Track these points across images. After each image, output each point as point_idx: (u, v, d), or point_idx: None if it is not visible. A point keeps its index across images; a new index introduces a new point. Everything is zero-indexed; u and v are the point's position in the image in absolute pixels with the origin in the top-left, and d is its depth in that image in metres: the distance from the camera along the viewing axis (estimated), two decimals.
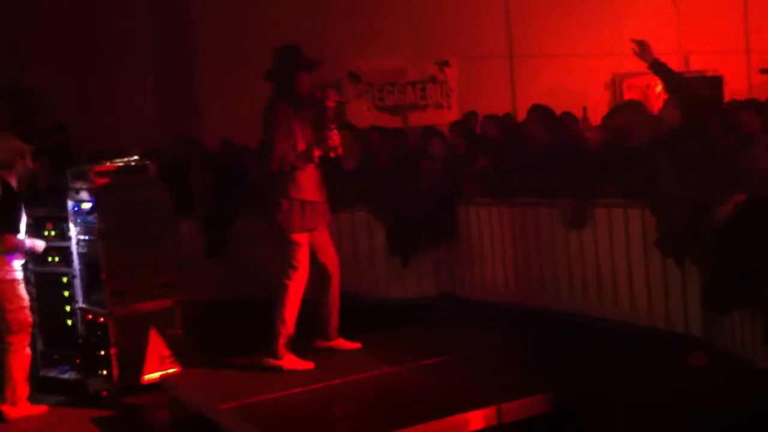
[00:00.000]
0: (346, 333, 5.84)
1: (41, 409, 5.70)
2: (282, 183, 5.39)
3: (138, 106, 9.68)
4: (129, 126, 9.22)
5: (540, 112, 7.23)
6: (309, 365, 5.41)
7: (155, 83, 10.00)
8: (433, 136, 7.87)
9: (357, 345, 5.75)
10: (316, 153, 5.42)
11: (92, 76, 9.51)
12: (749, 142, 5.91)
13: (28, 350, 5.67)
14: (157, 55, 10.06)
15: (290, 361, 5.43)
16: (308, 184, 5.44)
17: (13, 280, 5.60)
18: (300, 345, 5.58)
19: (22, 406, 5.61)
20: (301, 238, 5.44)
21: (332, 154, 5.51)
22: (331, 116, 5.54)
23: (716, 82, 10.83)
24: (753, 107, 6.60)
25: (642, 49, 5.36)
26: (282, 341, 5.42)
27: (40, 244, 5.79)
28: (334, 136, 5.44)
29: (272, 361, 5.43)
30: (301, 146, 5.41)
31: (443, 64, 11.51)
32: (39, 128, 8.47)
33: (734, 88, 11.26)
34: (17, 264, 5.62)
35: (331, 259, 5.67)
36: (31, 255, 5.94)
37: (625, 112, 6.57)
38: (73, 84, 9.33)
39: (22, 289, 5.65)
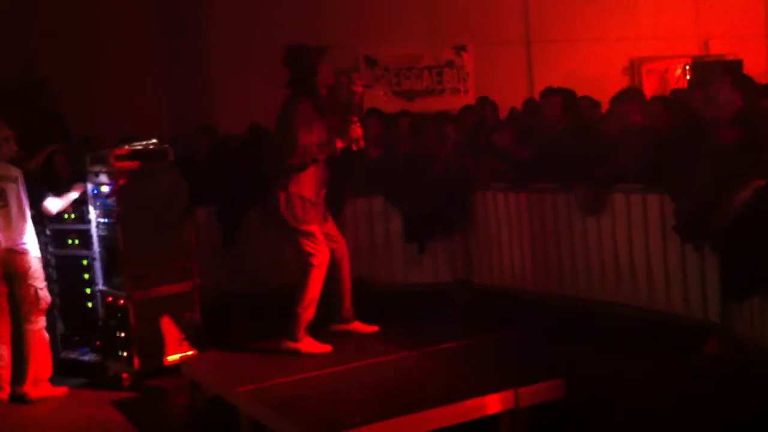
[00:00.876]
0: (361, 318, 5.84)
1: (62, 390, 5.77)
2: (284, 179, 5.37)
3: (144, 103, 9.68)
4: (135, 123, 9.21)
5: (561, 95, 7.11)
6: (327, 348, 5.44)
7: (162, 79, 10.00)
8: (447, 122, 7.86)
9: (374, 328, 5.77)
10: (339, 145, 5.39)
11: (97, 73, 9.55)
12: None
13: (44, 331, 5.75)
14: (164, 51, 10.06)
15: (308, 344, 5.45)
16: (309, 183, 5.42)
17: (40, 258, 5.70)
18: (316, 329, 5.60)
19: (43, 387, 5.68)
20: (310, 227, 5.44)
21: (354, 147, 5.46)
22: (358, 102, 5.50)
23: (736, 65, 10.72)
24: None
25: None
26: (301, 325, 5.45)
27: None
28: (357, 129, 5.41)
29: (291, 344, 5.45)
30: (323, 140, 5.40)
31: (460, 48, 11.47)
32: (35, 120, 8.43)
33: (754, 72, 11.14)
34: None
35: (339, 244, 5.67)
36: (52, 237, 6.05)
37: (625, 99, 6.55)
38: (78, 80, 9.34)
39: None
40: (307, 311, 5.45)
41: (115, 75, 9.61)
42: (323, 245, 5.47)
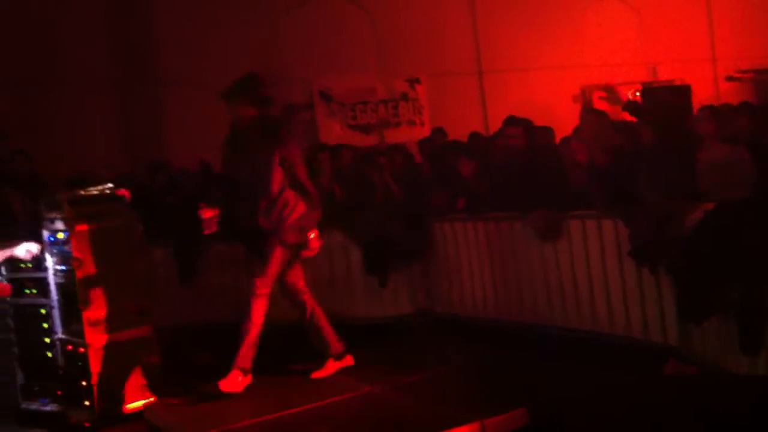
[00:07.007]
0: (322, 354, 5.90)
1: None
2: None
3: (101, 130, 9.64)
4: (92, 151, 9.16)
5: (522, 125, 7.26)
6: None
7: (118, 107, 9.98)
8: (380, 154, 8.06)
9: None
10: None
11: (55, 102, 9.46)
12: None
13: None
14: (120, 79, 10.03)
15: None
16: None
17: None
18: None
19: None
20: None
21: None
22: None
23: (685, 91, 10.97)
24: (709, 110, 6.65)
25: (611, 95, 5.65)
26: None
27: None
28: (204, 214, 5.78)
29: None
30: None
31: (414, 81, 11.57)
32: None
33: (702, 97, 11.41)
34: None
35: None
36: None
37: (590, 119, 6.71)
38: (36, 110, 9.26)
39: None
40: None
41: (66, 108, 9.53)
42: None
